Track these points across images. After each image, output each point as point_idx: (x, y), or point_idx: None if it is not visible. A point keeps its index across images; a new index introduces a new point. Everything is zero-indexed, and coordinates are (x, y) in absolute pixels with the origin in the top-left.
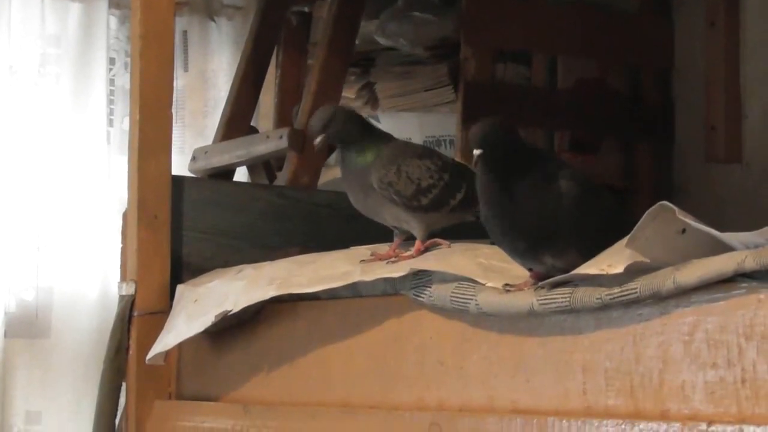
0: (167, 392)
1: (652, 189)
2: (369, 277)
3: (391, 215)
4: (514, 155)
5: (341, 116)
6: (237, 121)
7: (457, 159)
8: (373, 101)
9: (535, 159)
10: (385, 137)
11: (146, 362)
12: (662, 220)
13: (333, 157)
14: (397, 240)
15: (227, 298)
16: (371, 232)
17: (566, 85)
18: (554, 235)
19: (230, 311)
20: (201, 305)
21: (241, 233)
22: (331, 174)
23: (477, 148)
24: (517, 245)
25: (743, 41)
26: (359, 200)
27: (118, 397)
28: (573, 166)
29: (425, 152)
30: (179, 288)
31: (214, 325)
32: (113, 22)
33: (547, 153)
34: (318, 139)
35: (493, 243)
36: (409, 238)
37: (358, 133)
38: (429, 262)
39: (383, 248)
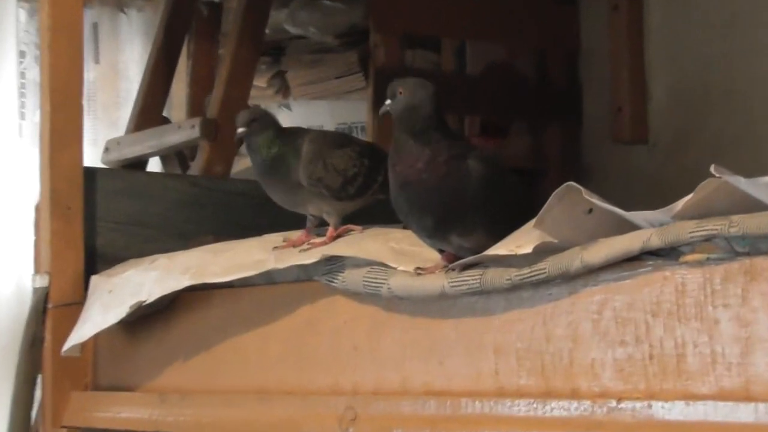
0: (84, 383)
1: (561, 170)
2: (282, 265)
3: (315, 207)
4: (434, 124)
5: (267, 118)
6: (149, 111)
7: None
8: (284, 90)
9: (446, 138)
10: (299, 133)
11: (62, 354)
12: (569, 200)
13: (244, 147)
14: (309, 226)
15: (142, 288)
16: (284, 219)
17: (475, 70)
18: (461, 213)
19: (145, 301)
20: (116, 296)
21: (155, 223)
22: (244, 163)
23: (388, 99)
24: (425, 223)
25: (646, 24)
26: (285, 198)
27: (33, 390)
28: (481, 148)
29: (343, 140)
30: (93, 279)
31: (129, 315)
32: (22, 15)
33: (457, 134)
34: (241, 130)
35: (405, 228)
36: (322, 224)
37: (275, 136)
38: (341, 247)
39: (295, 235)
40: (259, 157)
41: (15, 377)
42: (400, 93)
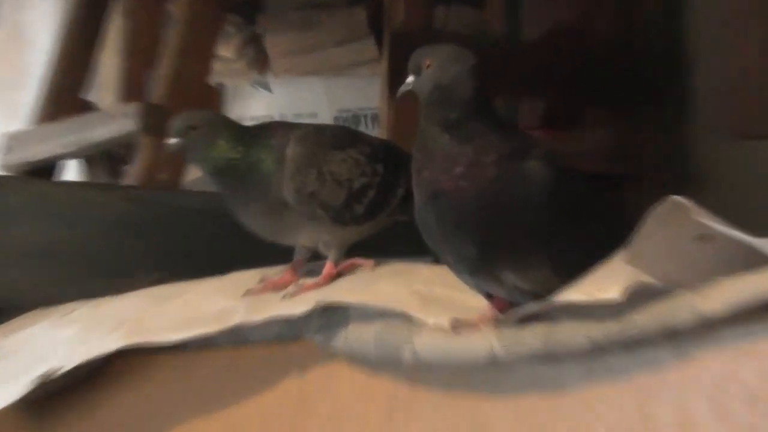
0: None
1: (659, 177)
2: (258, 317)
3: (308, 235)
4: (477, 110)
5: (213, 125)
6: (64, 93)
7: (383, 137)
8: (261, 61)
9: (494, 131)
10: (280, 129)
11: None
12: (673, 222)
13: None
14: (297, 260)
15: (53, 351)
16: (262, 249)
17: (534, 35)
18: (517, 238)
19: (58, 371)
20: (13, 363)
21: (72, 255)
22: None
23: (411, 75)
24: (466, 252)
25: None
26: (265, 224)
27: None
28: (546, 145)
29: (345, 137)
30: None
31: (34, 391)
32: None
33: (510, 125)
34: (173, 141)
35: (436, 261)
36: (316, 257)
37: (235, 139)
38: (344, 291)
39: (277, 273)
40: (215, 170)
41: None
42: (428, 66)
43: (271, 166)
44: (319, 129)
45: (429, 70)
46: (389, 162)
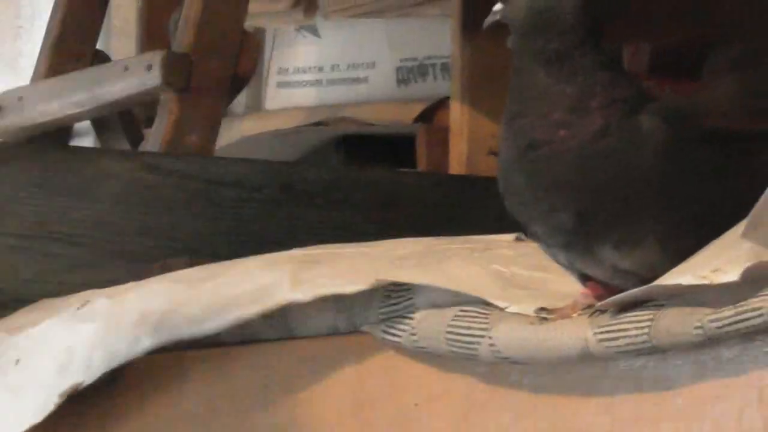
0: None
1: None
2: (306, 295)
3: None
4: (582, 42)
5: None
6: (71, 42)
7: (457, 92)
8: (308, 3)
9: (603, 69)
10: None
11: None
12: None
13: (239, 101)
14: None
15: (72, 355)
16: (312, 229)
17: None
18: (622, 206)
19: (81, 384)
20: (29, 372)
21: (85, 235)
22: (238, 129)
23: (499, 3)
24: (559, 221)
25: None
26: None
27: None
28: (661, 98)
29: None
30: None
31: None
32: None
33: (620, 66)
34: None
35: (520, 236)
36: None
37: None
38: (409, 271)
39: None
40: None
41: None
42: None
43: None
44: None
45: None
46: None
